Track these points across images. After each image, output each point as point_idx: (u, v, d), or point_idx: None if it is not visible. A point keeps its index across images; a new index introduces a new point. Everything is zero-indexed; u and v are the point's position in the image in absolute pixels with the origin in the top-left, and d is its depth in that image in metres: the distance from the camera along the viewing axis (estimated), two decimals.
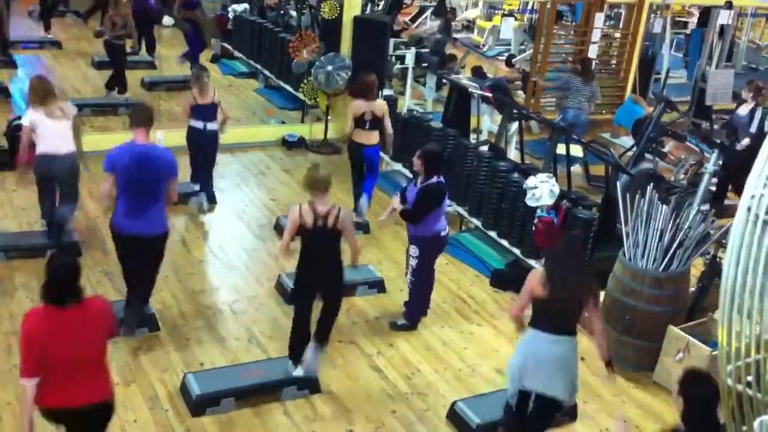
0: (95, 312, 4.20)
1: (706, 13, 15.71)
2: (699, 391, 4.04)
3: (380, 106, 8.36)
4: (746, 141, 9.71)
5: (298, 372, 5.87)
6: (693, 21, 16.82)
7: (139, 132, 5.95)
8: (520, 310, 5.10)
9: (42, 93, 7.01)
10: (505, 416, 5.31)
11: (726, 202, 9.41)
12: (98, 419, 4.35)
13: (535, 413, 5.19)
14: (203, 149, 8.54)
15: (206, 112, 8.32)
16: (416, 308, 6.96)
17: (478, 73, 12.20)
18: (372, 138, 8.29)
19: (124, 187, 5.88)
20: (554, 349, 4.95)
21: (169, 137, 10.06)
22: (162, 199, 6.03)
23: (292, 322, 5.93)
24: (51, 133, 6.98)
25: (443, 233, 6.64)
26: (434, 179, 6.46)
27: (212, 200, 8.76)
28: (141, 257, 6.17)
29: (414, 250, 6.68)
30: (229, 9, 14.72)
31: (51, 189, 7.30)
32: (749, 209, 4.21)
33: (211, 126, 8.39)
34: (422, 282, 6.85)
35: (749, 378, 4.39)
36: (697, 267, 7.22)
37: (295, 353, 5.90)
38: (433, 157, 6.51)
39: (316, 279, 5.74)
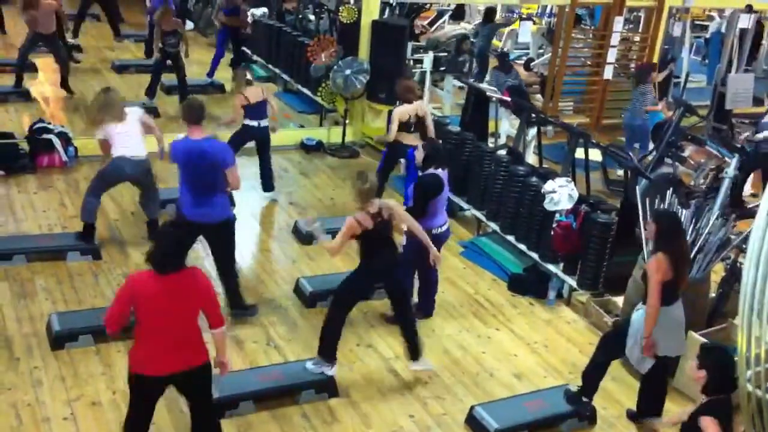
0: (190, 281, 4.59)
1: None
2: (718, 357, 4.63)
3: (422, 107, 8.62)
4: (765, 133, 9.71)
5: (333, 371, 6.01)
6: (714, 24, 16.67)
7: (193, 129, 6.31)
8: (658, 300, 5.42)
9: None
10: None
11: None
12: (200, 381, 4.78)
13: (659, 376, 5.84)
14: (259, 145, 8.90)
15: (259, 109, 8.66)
16: (425, 298, 7.06)
17: (503, 62, 12.10)
18: (416, 140, 8.29)
19: (186, 179, 6.30)
20: (680, 313, 5.64)
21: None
22: (221, 188, 6.40)
23: (330, 322, 5.99)
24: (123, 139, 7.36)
25: (436, 231, 6.66)
26: (431, 171, 6.62)
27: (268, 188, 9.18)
28: (212, 246, 6.64)
29: (404, 240, 6.78)
30: (249, 13, 14.77)
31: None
32: None
33: (265, 123, 8.75)
34: (407, 274, 6.78)
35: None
36: (718, 272, 7.17)
37: (334, 351, 6.03)
38: (431, 150, 6.75)
39: (384, 272, 6.07)
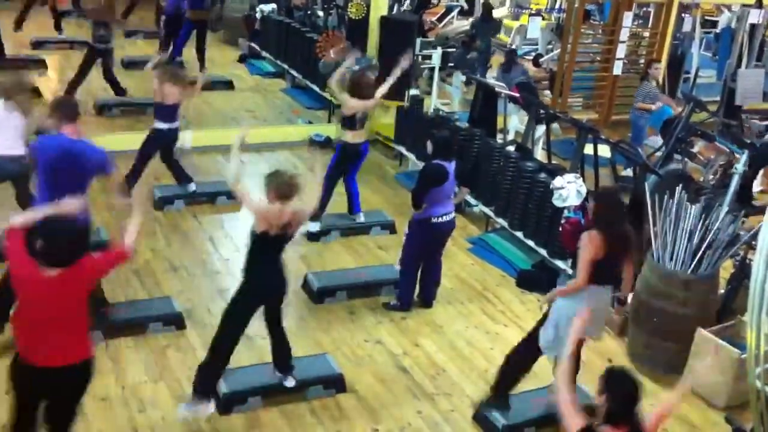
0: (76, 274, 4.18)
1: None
2: (621, 384, 3.93)
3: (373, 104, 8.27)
4: None
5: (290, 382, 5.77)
6: (723, 19, 16.59)
7: (68, 126, 5.73)
8: (588, 278, 5.26)
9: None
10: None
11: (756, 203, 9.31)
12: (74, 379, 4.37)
13: None
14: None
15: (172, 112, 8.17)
16: (404, 289, 7.04)
17: (511, 59, 12.08)
18: (363, 136, 8.15)
19: (47, 181, 5.63)
20: (607, 299, 5.54)
21: (198, 136, 10.18)
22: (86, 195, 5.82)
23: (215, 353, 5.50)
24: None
25: (436, 219, 6.68)
26: (437, 161, 6.63)
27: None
28: None
29: (405, 229, 6.90)
30: (257, 9, 14.79)
31: None
32: None
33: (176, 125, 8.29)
34: (409, 264, 6.93)
35: None
36: (727, 269, 7.14)
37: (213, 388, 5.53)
38: (441, 142, 6.72)
39: (269, 291, 5.51)
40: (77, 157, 5.67)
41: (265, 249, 5.37)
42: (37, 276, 4.10)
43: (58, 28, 14.35)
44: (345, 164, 8.13)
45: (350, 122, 7.96)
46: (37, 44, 13.74)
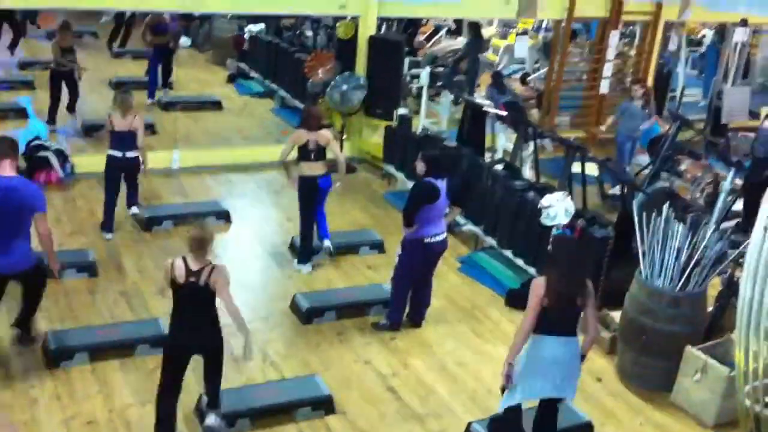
0: None
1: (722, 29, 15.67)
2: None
3: (325, 135, 7.84)
4: None
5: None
6: (707, 34, 16.71)
7: (3, 164, 5.68)
8: (533, 320, 5.10)
9: None
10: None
11: None
12: None
13: (544, 418, 5.45)
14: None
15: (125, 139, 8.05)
16: (395, 309, 7.01)
17: (497, 81, 12.15)
18: (322, 168, 7.81)
19: None
20: (562, 350, 5.14)
21: (186, 156, 10.18)
22: (27, 234, 5.82)
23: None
24: None
25: (428, 240, 6.66)
26: (429, 179, 6.59)
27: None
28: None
29: (398, 249, 6.85)
30: (246, 29, 14.85)
31: None
32: (766, 229, 4.19)
33: (131, 153, 8.10)
34: (400, 284, 6.89)
35: (767, 399, 4.35)
36: (715, 286, 7.16)
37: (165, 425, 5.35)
38: (433, 159, 6.66)
39: (185, 346, 5.28)
40: (16, 194, 5.66)
41: (179, 302, 5.17)
42: None
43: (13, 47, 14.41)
44: (308, 198, 7.80)
45: (304, 153, 7.71)
46: (25, 65, 13.75)
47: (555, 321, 5.11)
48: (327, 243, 8.14)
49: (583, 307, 5.16)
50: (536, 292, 5.08)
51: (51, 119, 10.86)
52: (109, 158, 8.12)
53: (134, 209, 8.55)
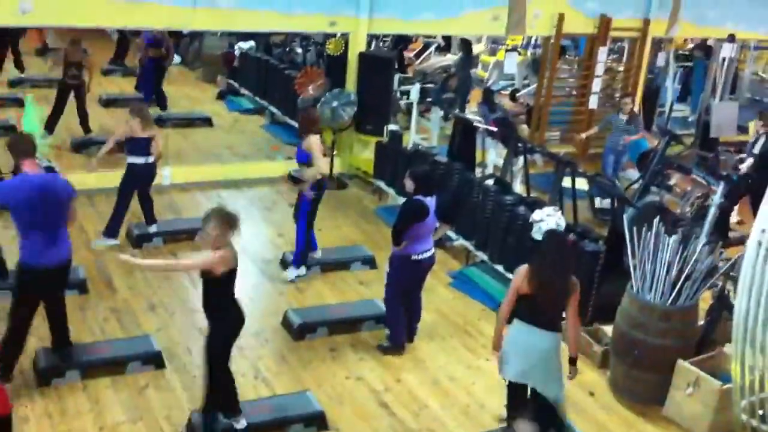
0: None
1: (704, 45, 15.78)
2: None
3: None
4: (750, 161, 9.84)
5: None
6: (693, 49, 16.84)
7: (28, 163, 5.72)
8: (508, 306, 5.33)
9: None
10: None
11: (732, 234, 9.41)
12: None
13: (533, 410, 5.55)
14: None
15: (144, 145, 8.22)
16: (394, 330, 6.99)
17: (487, 98, 12.21)
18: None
19: (31, 221, 5.63)
20: (538, 342, 5.29)
21: (177, 173, 10.16)
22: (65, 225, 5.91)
23: (225, 385, 5.60)
24: None
25: (416, 257, 6.65)
26: (418, 197, 6.58)
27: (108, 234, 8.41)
28: (62, 289, 6.14)
29: (387, 267, 6.85)
30: (236, 46, 14.89)
31: None
32: (760, 243, 4.21)
33: (152, 160, 8.31)
34: (393, 302, 6.88)
35: (761, 412, 4.36)
36: (706, 300, 7.18)
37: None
38: (422, 177, 6.66)
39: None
40: (57, 189, 5.75)
41: (230, 286, 5.37)
42: None
43: (19, 67, 14.41)
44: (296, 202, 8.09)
45: None
46: (15, 83, 13.73)
47: (535, 311, 5.26)
48: (319, 253, 8.25)
49: (566, 302, 5.27)
50: (516, 277, 5.29)
51: (50, 128, 10.92)
52: (133, 166, 8.22)
53: (154, 227, 8.57)
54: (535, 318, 5.28)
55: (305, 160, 7.78)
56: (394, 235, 6.63)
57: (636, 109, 13.34)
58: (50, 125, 10.95)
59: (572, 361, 5.45)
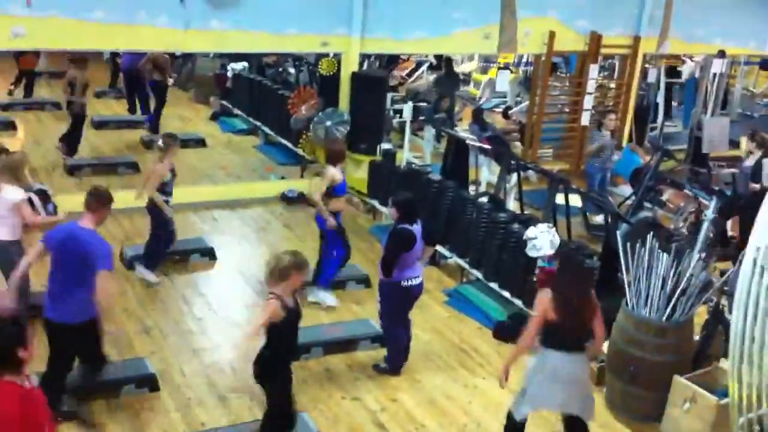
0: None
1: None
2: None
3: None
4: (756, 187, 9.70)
5: None
6: (686, 69, 16.93)
7: (85, 215, 5.62)
8: (533, 334, 5.25)
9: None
10: None
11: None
12: None
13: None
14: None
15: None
16: (392, 354, 6.96)
17: (478, 117, 12.26)
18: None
19: (52, 265, 5.54)
20: (574, 368, 5.24)
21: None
22: (86, 285, 5.41)
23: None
24: None
25: (405, 283, 6.61)
26: (404, 225, 6.55)
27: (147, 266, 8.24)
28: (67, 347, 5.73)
29: (378, 295, 6.82)
30: (228, 67, 14.93)
31: None
32: (755, 261, 4.21)
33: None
34: (390, 328, 6.86)
35: (758, 428, 4.34)
36: (701, 315, 7.17)
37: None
38: (405, 205, 6.64)
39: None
40: (78, 242, 5.50)
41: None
42: None
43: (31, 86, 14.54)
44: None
45: None
46: (7, 106, 13.74)
47: (563, 335, 5.21)
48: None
49: (591, 319, 5.28)
50: (540, 305, 5.19)
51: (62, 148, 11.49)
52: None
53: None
54: (566, 343, 5.23)
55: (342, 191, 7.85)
56: (384, 266, 6.57)
57: (628, 125, 13.44)
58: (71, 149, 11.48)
59: (594, 357, 5.55)
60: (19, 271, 5.71)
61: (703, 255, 7.07)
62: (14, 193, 6.69)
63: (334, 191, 7.81)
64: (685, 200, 10.26)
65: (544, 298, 5.23)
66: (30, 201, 9.24)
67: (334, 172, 7.79)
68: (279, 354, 5.27)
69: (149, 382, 6.36)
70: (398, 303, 6.76)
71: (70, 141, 11.55)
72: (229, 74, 14.93)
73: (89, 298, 5.41)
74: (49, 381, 5.57)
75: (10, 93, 14.75)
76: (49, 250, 5.58)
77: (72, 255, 5.47)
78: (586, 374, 5.40)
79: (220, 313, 7.78)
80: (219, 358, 6.95)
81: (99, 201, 5.67)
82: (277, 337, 5.19)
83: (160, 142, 8.07)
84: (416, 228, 6.60)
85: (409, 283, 6.63)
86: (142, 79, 13.57)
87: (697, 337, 6.88)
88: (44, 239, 5.63)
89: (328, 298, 8.04)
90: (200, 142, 12.95)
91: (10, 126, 12.50)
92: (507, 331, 7.74)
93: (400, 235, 6.56)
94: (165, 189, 8.03)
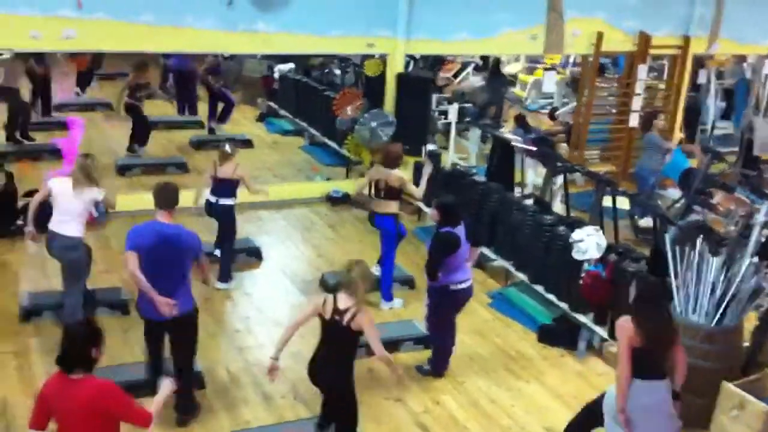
0: (88, 391, 4.02)
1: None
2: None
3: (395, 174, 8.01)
4: None
5: None
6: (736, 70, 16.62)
7: (163, 213, 5.82)
8: (627, 365, 5.00)
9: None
10: None
11: None
12: None
13: None
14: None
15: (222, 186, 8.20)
16: (437, 358, 6.94)
17: (521, 121, 12.20)
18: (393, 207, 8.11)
19: (147, 269, 5.66)
20: (661, 397, 5.09)
21: None
22: (186, 278, 5.82)
23: None
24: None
25: (454, 287, 6.59)
26: (447, 228, 6.53)
27: (224, 279, 8.30)
28: (171, 342, 5.98)
29: (426, 299, 6.81)
30: (275, 69, 15.05)
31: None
32: None
33: (225, 201, 8.24)
34: (437, 332, 6.86)
35: None
36: (750, 320, 7.04)
37: None
38: (448, 208, 6.61)
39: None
40: (174, 240, 5.72)
41: (321, 337, 5.62)
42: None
43: (83, 87, 14.89)
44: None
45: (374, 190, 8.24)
46: (60, 107, 14.00)
47: (645, 363, 5.03)
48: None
49: (674, 345, 5.16)
50: (625, 334, 4.99)
51: (132, 148, 11.97)
52: (233, 207, 8.33)
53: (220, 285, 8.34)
54: (651, 370, 5.06)
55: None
56: (429, 271, 6.55)
57: (678, 127, 13.23)
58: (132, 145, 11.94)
59: (676, 396, 5.22)
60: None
61: (755, 259, 6.92)
62: (94, 193, 6.96)
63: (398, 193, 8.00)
64: (736, 203, 10.05)
65: (625, 325, 5.03)
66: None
67: (401, 174, 7.97)
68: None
69: (196, 380, 6.42)
70: (446, 307, 6.74)
71: (139, 136, 11.91)
72: (276, 76, 15.04)
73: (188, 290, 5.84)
74: (186, 373, 5.93)
75: (78, 95, 15.10)
76: (141, 254, 5.68)
77: (175, 252, 5.71)
78: (667, 401, 5.15)
79: (265, 311, 7.85)
80: (263, 357, 6.99)
81: (171, 197, 5.91)
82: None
83: (227, 147, 8.20)
84: (460, 230, 6.57)
85: (458, 286, 6.61)
86: (191, 81, 13.74)
87: (747, 344, 6.75)
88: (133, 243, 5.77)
89: (396, 303, 8.14)
90: (247, 143, 13.06)
91: (63, 126, 12.75)
92: (552, 334, 7.68)
93: (442, 239, 6.54)
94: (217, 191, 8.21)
